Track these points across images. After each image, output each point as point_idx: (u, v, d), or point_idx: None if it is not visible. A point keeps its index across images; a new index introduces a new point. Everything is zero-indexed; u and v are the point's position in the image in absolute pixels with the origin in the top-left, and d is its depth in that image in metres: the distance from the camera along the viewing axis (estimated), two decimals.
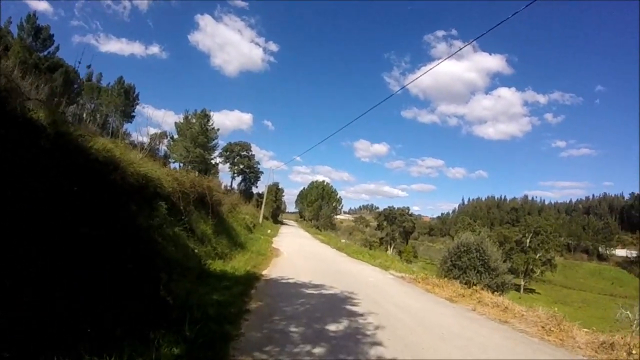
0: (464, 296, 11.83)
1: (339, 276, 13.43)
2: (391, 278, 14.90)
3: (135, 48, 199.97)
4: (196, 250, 10.72)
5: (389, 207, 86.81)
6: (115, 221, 7.07)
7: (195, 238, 11.51)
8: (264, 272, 12.54)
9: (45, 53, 49.13)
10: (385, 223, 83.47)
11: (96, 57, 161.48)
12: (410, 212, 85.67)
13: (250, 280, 10.58)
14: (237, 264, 12.95)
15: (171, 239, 9.46)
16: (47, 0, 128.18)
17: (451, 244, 24.25)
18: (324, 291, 10.28)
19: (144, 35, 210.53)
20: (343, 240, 42.48)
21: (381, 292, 11.27)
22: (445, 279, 18.48)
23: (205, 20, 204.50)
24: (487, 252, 23.23)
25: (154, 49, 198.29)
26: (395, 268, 18.60)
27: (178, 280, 8.14)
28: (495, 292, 21.44)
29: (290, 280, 11.43)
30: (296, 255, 19.62)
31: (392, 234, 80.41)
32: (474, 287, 13.37)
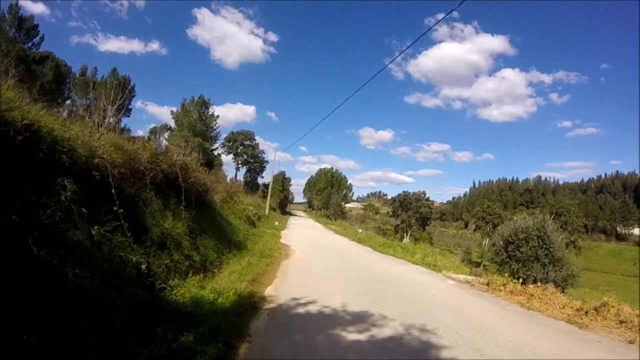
0: (586, 313, 7.48)
1: (384, 289, 8.78)
2: (455, 285, 10.26)
3: (134, 46, 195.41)
4: (143, 267, 6.06)
5: (403, 192, 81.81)
6: None
7: (149, 244, 6.85)
8: (267, 292, 7.86)
9: (30, 44, 46.30)
10: (400, 210, 78.54)
11: (96, 56, 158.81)
12: (427, 197, 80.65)
13: (241, 317, 5.90)
14: (226, 279, 8.35)
15: (80, 251, 4.83)
16: (43, 2, 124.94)
17: (505, 230, 19.33)
18: (375, 332, 5.61)
19: (143, 32, 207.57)
20: (360, 230, 37.83)
21: (467, 319, 6.60)
22: (499, 274, 13.99)
23: (203, 14, 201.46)
24: (552, 238, 18.47)
25: (154, 46, 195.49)
26: (445, 266, 13.91)
27: (78, 340, 3.57)
28: (559, 287, 16.76)
29: (312, 308, 6.73)
30: (312, 254, 14.95)
31: (408, 220, 75.47)
32: (602, 296, 8.88)
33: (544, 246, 18.14)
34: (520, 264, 18.23)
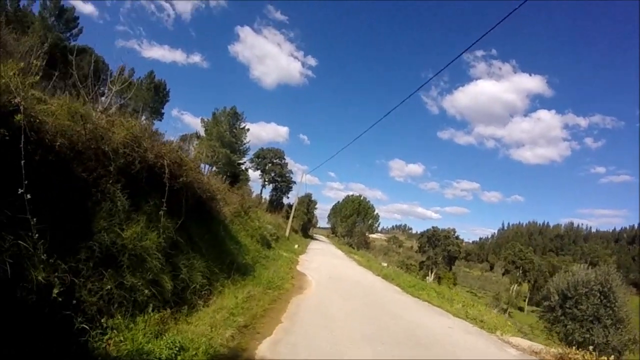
0: None
1: None
2: (520, 358, 7.43)
3: (177, 56, 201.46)
4: (56, 290, 3.62)
5: (432, 227, 77.80)
6: None
7: (84, 256, 4.42)
8: (260, 353, 5.21)
9: (68, 35, 46.50)
10: (427, 245, 74.49)
11: (138, 62, 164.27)
12: (456, 235, 76.33)
13: None
14: (206, 320, 5.85)
15: None
16: (92, 2, 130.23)
17: (561, 283, 16.11)
18: None
19: (186, 43, 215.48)
20: (384, 264, 34.73)
21: None
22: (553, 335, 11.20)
23: (245, 32, 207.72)
24: (616, 295, 15.24)
25: (196, 58, 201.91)
26: (495, 324, 10.96)
27: None
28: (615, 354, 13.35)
29: None
30: (332, 290, 12.25)
31: (435, 258, 71.36)
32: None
33: (608, 304, 14.93)
34: (577, 324, 15.01)
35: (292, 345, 5.67)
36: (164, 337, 4.58)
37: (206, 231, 9.44)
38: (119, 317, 4.52)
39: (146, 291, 5.17)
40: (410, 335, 7.60)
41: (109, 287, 4.62)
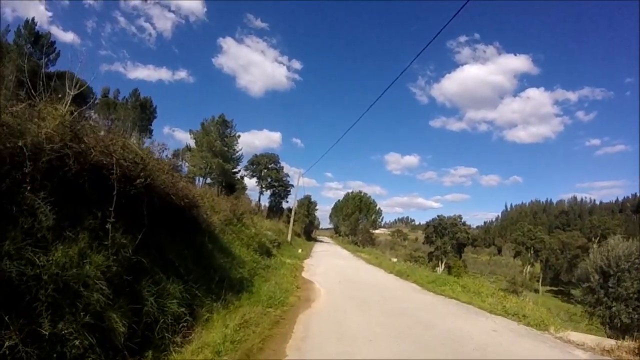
0: None
1: None
2: None
3: (162, 74, 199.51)
4: None
5: (438, 217, 76.01)
6: None
7: None
8: None
9: (46, 60, 45.50)
10: (434, 236, 72.69)
11: (125, 84, 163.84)
12: (463, 221, 74.50)
13: None
14: None
15: None
16: (73, 30, 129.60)
17: (598, 259, 14.36)
18: None
19: (171, 61, 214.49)
20: (394, 260, 33.02)
21: None
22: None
23: (227, 43, 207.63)
24: None
25: (181, 74, 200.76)
26: (542, 319, 9.26)
27: None
28: None
29: None
30: (344, 299, 10.54)
31: (444, 247, 69.62)
32: None
33: None
34: (621, 304, 13.30)
35: None
36: None
37: (186, 245, 7.77)
38: None
39: (77, 342, 3.50)
40: (454, 350, 5.94)
41: (10, 342, 2.98)
